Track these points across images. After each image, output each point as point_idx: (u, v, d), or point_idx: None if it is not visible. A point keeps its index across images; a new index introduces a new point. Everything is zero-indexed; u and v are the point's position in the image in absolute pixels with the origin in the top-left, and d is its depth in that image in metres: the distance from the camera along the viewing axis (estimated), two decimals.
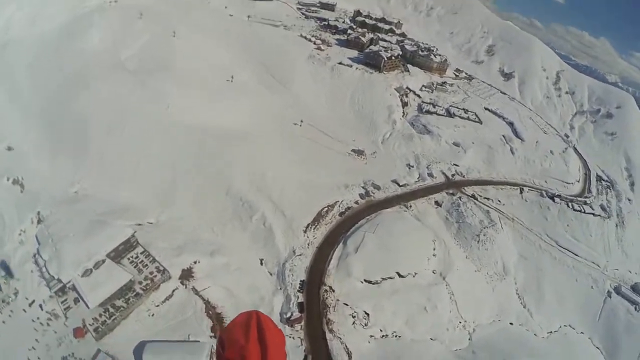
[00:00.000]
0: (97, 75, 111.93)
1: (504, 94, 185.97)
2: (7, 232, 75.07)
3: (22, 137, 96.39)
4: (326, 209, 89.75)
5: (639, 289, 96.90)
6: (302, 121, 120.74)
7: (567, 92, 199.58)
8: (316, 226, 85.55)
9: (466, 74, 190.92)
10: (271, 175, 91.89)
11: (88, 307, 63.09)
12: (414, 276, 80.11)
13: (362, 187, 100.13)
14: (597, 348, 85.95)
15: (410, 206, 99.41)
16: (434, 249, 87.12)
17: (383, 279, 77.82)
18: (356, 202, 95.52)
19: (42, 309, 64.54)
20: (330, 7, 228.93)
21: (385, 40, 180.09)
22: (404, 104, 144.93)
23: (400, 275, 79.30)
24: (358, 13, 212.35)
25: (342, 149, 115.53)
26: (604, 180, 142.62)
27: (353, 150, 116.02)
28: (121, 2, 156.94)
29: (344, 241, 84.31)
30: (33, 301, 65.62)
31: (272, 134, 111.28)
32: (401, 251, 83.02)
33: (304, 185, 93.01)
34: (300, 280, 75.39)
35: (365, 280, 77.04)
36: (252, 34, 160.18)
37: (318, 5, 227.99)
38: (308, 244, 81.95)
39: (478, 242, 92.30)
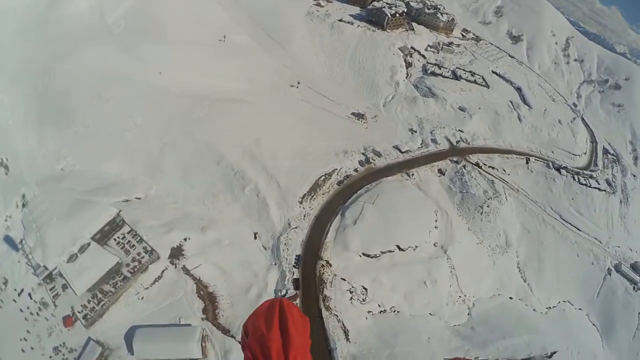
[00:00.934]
0: (81, 42, 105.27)
1: (512, 57, 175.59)
2: None
3: (7, 114, 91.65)
4: (323, 177, 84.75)
5: (638, 268, 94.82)
6: (299, 83, 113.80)
7: (575, 60, 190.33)
8: (313, 196, 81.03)
9: (473, 34, 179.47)
10: (265, 142, 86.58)
11: (76, 294, 60.88)
12: (414, 249, 76.53)
13: (362, 154, 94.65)
14: (594, 325, 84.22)
15: (413, 174, 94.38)
16: (436, 221, 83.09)
17: (382, 252, 74.17)
18: (355, 170, 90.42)
19: (31, 298, 63.24)
20: None
21: None
22: (408, 65, 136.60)
23: (400, 249, 75.44)
24: None
25: (342, 112, 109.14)
26: (610, 153, 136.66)
27: (353, 114, 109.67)
28: None
29: (342, 212, 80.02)
30: (22, 290, 64.45)
31: (268, 96, 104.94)
32: (402, 223, 78.78)
33: (301, 152, 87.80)
34: (296, 255, 71.70)
35: (364, 254, 73.48)
36: None
37: None
38: (304, 216, 77.82)
39: (481, 213, 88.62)
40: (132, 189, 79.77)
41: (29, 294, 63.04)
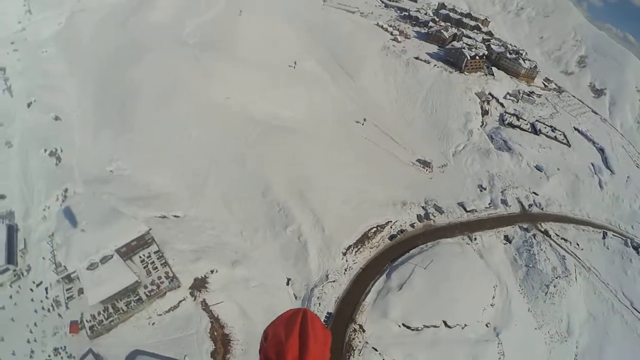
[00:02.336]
0: (154, 47, 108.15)
1: (596, 113, 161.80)
2: (34, 206, 73.03)
3: (73, 108, 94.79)
4: (375, 229, 75.62)
5: None
6: (365, 119, 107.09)
7: None
8: (359, 249, 71.92)
9: (556, 85, 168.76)
10: (318, 179, 79.67)
11: (89, 303, 57.98)
12: (462, 328, 66.57)
13: (422, 208, 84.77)
14: None
15: (475, 239, 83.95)
16: (493, 297, 73.37)
17: (425, 326, 64.83)
18: (412, 225, 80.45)
19: (47, 293, 61.53)
20: None
21: (469, 37, 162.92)
22: (484, 112, 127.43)
23: (446, 325, 65.76)
24: (442, 6, 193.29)
25: (407, 157, 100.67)
26: None
27: (418, 161, 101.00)
28: None
29: (388, 273, 70.47)
30: (41, 282, 62.97)
31: (329, 130, 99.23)
32: (454, 296, 68.99)
33: (354, 196, 79.85)
34: (327, 313, 63.41)
35: (404, 325, 64.27)
36: (324, 19, 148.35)
37: None
38: (345, 270, 68.91)
39: (546, 293, 77.52)
40: (173, 205, 76.54)
41: (46, 289, 61.67)
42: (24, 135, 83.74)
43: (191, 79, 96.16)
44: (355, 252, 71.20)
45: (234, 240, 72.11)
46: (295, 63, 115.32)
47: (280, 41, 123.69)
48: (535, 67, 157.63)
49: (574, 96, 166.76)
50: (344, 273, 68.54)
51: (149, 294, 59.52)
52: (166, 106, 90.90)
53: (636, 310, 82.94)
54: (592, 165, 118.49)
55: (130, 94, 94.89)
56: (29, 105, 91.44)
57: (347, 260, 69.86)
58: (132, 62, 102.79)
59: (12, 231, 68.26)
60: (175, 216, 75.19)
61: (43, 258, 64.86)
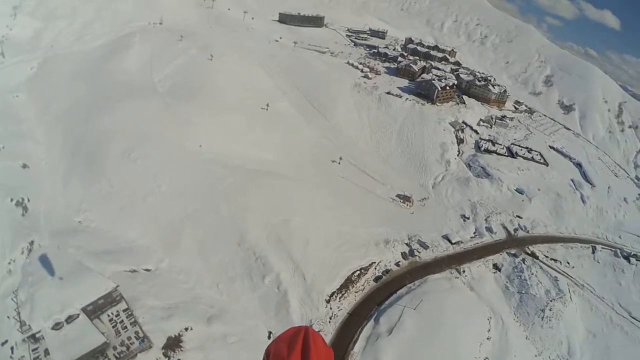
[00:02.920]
0: (125, 96, 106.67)
1: (568, 129, 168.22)
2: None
3: (42, 156, 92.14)
4: (358, 272, 72.33)
5: None
6: (341, 158, 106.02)
7: (630, 126, 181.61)
8: (343, 294, 68.21)
9: (526, 106, 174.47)
10: (296, 224, 76.59)
11: None
12: None
13: (406, 244, 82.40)
14: None
15: (464, 271, 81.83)
16: (489, 330, 70.61)
17: None
18: (397, 264, 77.67)
19: (12, 352, 56.57)
20: (381, 35, 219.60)
21: (438, 69, 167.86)
22: (460, 141, 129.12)
23: None
24: (410, 40, 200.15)
25: (386, 193, 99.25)
26: None
27: (398, 196, 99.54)
28: (167, 24, 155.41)
29: (376, 317, 66.64)
30: (6, 341, 58.02)
31: (305, 171, 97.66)
32: (448, 334, 65.52)
33: (335, 239, 76.92)
34: None
35: None
36: (295, 59, 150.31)
37: (368, 32, 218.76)
38: (330, 318, 64.89)
39: (542, 318, 75.52)
40: (144, 259, 72.32)
41: (12, 348, 56.75)
42: None
43: (162, 128, 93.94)
44: (340, 298, 67.37)
45: (209, 293, 67.61)
46: (267, 105, 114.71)
47: (252, 84, 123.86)
48: (505, 91, 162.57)
49: (545, 115, 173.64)
50: (329, 321, 64.41)
51: (118, 356, 54.40)
52: (136, 156, 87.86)
53: (635, 319, 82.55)
54: (572, 181, 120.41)
55: (99, 144, 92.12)
56: None
57: (331, 308, 65.86)
58: (102, 111, 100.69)
59: None
60: (146, 270, 70.82)
61: (7, 317, 59.61)
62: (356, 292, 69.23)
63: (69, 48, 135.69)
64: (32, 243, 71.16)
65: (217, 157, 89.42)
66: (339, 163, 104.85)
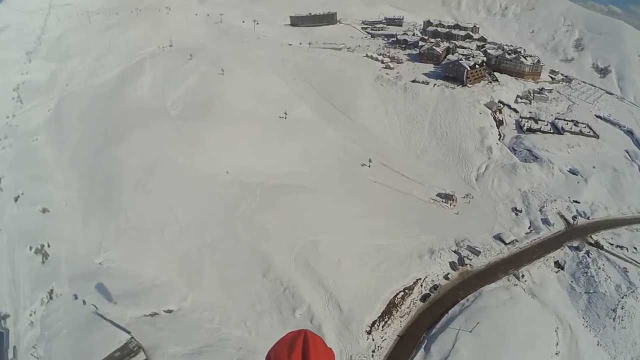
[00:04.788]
0: (137, 124, 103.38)
1: (611, 93, 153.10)
2: (22, 310, 66.38)
3: (61, 197, 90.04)
4: (402, 293, 62.38)
5: None
6: (370, 160, 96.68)
7: None
8: (386, 322, 58.59)
9: (562, 75, 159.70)
10: (325, 243, 68.12)
11: None
12: None
13: (454, 252, 71.82)
14: None
15: (523, 275, 70.88)
16: (557, 344, 60.65)
17: None
18: (446, 277, 67.22)
19: None
20: (398, 22, 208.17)
21: (463, 48, 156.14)
22: (499, 123, 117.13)
23: None
24: (428, 23, 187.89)
25: (425, 193, 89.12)
26: None
27: (439, 195, 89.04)
28: (176, 45, 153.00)
29: (426, 345, 56.80)
30: None
31: (332, 179, 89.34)
32: (512, 356, 55.82)
33: (371, 255, 67.72)
34: None
35: None
36: (310, 61, 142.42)
37: (384, 22, 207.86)
38: (373, 351, 55.71)
39: (614, 319, 65.86)
40: (166, 298, 66.73)
41: None
42: (10, 232, 78.32)
43: (174, 153, 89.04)
44: (383, 326, 57.84)
45: (236, 332, 60.69)
46: (285, 113, 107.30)
47: (267, 93, 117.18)
48: (539, 61, 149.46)
49: (584, 82, 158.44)
50: (372, 355, 55.24)
51: None
52: (150, 187, 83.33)
53: None
54: (627, 152, 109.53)
55: (113, 177, 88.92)
56: (16, 199, 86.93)
57: (373, 339, 56.58)
58: (114, 142, 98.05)
59: (2, 338, 61.09)
60: (168, 311, 65.08)
61: None
62: (401, 317, 59.44)
63: (83, 84, 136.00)
64: (51, 292, 68.41)
65: (234, 177, 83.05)
66: (369, 166, 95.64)
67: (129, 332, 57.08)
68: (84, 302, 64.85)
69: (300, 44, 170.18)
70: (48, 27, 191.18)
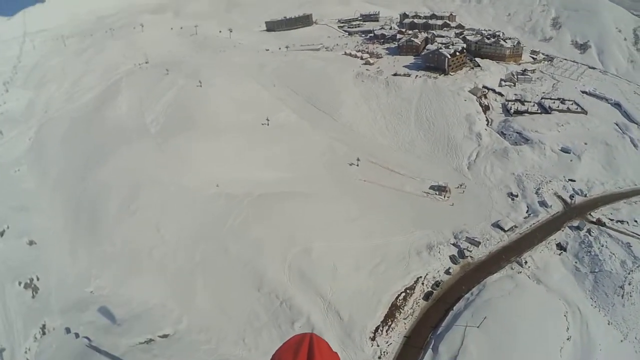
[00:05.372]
0: (117, 145, 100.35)
1: (593, 68, 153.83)
2: (17, 346, 63.79)
3: (47, 226, 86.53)
4: (403, 294, 60.09)
5: None
6: (358, 159, 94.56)
7: None
8: (390, 325, 56.35)
9: (543, 54, 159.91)
10: (319, 250, 65.70)
11: None
12: None
13: (454, 245, 69.72)
14: None
15: (526, 262, 69.14)
16: (568, 329, 59.50)
17: None
18: (447, 272, 65.09)
19: None
20: (374, 17, 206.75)
21: (442, 37, 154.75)
22: (485, 108, 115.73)
23: None
24: (404, 16, 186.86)
25: (417, 187, 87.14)
26: None
27: (432, 188, 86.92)
28: (152, 62, 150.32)
29: (433, 345, 54.57)
30: None
31: (319, 182, 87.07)
32: (523, 350, 54.15)
33: (367, 257, 65.48)
34: None
35: None
36: (288, 64, 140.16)
37: (360, 19, 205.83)
38: (379, 357, 53.43)
39: (622, 296, 64.66)
40: (160, 322, 64.04)
41: None
42: None
43: (156, 170, 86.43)
44: (387, 330, 55.54)
45: (234, 351, 58.27)
46: (267, 119, 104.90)
47: (247, 100, 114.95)
48: (519, 42, 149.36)
49: (565, 59, 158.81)
50: None
51: None
52: (135, 208, 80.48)
53: None
54: (617, 124, 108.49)
55: (98, 201, 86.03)
56: (2, 233, 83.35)
57: (378, 345, 54.38)
58: (96, 166, 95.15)
59: None
60: (163, 336, 62.31)
61: None
62: (405, 319, 57.17)
63: (62, 109, 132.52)
64: (44, 327, 65.36)
65: (220, 189, 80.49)
66: (357, 165, 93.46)
67: None
68: (77, 336, 62.64)
69: (280, 48, 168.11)
70: (24, 54, 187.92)
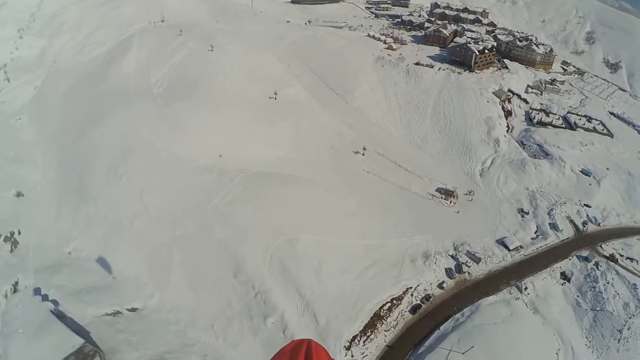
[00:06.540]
0: (117, 104, 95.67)
1: (624, 90, 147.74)
2: None
3: (38, 180, 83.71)
4: (388, 304, 55.42)
5: None
6: (365, 148, 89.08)
7: None
8: (369, 336, 51.95)
9: (574, 67, 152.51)
10: (306, 243, 61.11)
11: None
12: None
13: (452, 257, 64.85)
14: None
15: (526, 287, 64.84)
16: None
17: None
18: (440, 285, 60.35)
19: None
20: (403, 3, 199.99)
21: (472, 31, 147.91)
22: (507, 114, 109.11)
23: None
24: (436, 5, 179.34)
25: (423, 188, 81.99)
26: None
27: (439, 191, 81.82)
28: (169, 21, 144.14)
29: None
30: None
31: (321, 168, 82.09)
32: None
33: (358, 259, 60.78)
34: None
35: None
36: (308, 39, 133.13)
37: (389, 2, 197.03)
38: None
39: (619, 340, 61.32)
40: (132, 294, 61.29)
41: None
42: None
43: (151, 135, 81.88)
44: (364, 341, 51.21)
45: (202, 337, 54.93)
46: (275, 93, 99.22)
47: (259, 71, 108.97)
48: (551, 50, 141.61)
49: (596, 76, 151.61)
50: None
51: None
52: (121, 172, 76.47)
53: None
54: None
55: (89, 161, 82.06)
56: None
57: (352, 355, 50.12)
58: (93, 124, 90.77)
59: None
60: (132, 310, 59.33)
61: None
62: (386, 332, 52.70)
63: (71, 61, 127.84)
64: (16, 284, 63.07)
65: (214, 163, 75.87)
66: (363, 154, 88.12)
67: (85, 335, 51.64)
68: (44, 299, 59.79)
69: (304, 22, 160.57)
70: (44, 3, 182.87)
